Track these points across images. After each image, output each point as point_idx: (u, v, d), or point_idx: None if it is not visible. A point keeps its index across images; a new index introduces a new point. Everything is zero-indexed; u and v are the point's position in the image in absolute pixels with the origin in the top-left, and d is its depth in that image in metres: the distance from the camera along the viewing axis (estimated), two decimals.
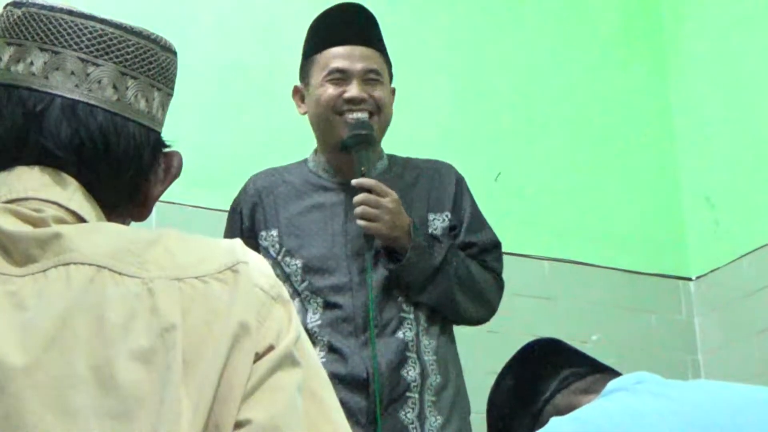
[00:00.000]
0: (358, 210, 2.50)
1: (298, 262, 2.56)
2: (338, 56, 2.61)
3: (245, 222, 2.63)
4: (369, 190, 2.51)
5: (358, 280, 2.52)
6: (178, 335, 1.04)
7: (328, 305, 2.52)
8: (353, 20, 2.66)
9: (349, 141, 2.55)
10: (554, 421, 1.45)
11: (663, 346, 4.15)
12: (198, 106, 3.53)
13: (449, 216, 2.64)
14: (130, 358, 1.02)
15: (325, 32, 2.65)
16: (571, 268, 4.12)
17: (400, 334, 2.50)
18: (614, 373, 1.62)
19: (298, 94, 2.69)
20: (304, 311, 2.53)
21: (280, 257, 2.57)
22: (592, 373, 1.65)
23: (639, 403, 1.43)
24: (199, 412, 1.01)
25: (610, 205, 4.29)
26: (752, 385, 1.54)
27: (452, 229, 2.65)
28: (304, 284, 2.54)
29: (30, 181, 1.15)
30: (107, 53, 1.20)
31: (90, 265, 1.07)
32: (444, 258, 2.55)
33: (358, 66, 2.60)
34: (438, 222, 2.63)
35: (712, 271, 4.25)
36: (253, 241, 2.58)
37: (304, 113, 2.68)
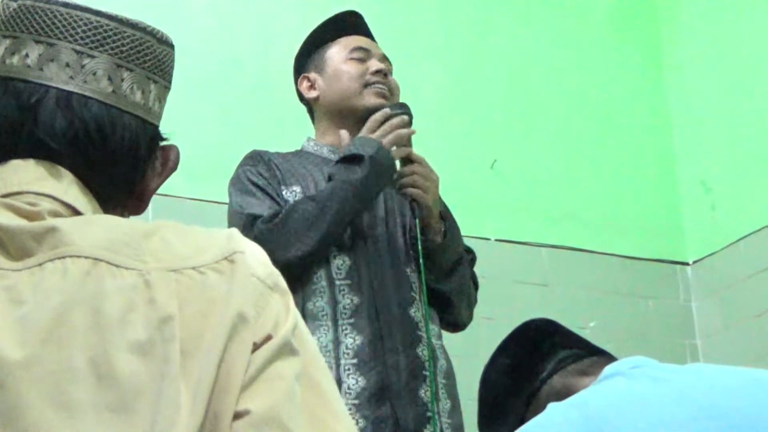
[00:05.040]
0: (411, 178, 2.52)
1: None
2: (359, 40, 2.69)
3: (270, 170, 2.57)
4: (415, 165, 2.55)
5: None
6: (176, 327, 1.04)
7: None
8: (362, 22, 2.75)
9: (396, 110, 2.57)
10: (552, 407, 1.45)
11: (661, 331, 4.16)
12: (195, 98, 3.53)
13: None
14: (128, 350, 1.02)
15: (339, 25, 2.73)
16: (568, 254, 4.12)
17: (411, 312, 2.48)
18: (611, 357, 1.61)
19: (305, 82, 2.71)
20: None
21: None
22: (589, 355, 1.64)
23: (637, 387, 1.42)
24: (198, 403, 1.01)
25: (607, 190, 4.30)
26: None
27: None
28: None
29: (25, 174, 1.15)
30: (102, 45, 1.20)
31: (86, 257, 1.06)
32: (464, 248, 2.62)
33: (378, 50, 2.70)
34: None
35: (709, 255, 4.25)
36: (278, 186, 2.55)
37: (316, 97, 2.68)
